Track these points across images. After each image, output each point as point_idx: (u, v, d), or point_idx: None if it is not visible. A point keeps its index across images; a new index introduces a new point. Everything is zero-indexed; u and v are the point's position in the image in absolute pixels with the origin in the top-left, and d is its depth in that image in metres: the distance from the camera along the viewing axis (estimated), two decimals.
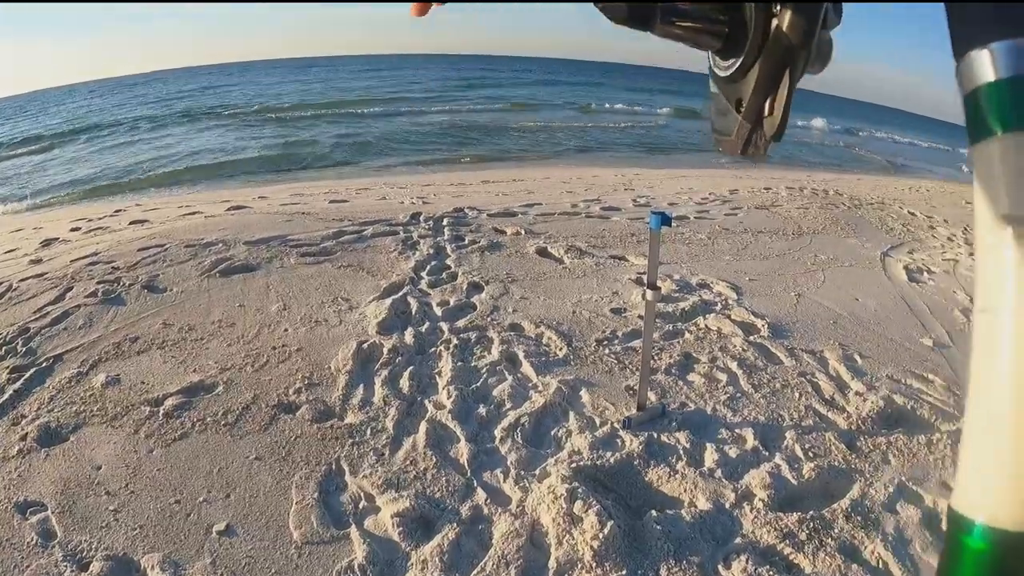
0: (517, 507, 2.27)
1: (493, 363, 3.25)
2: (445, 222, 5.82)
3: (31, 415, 2.71)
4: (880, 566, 2.11)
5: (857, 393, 3.18)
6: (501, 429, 2.71)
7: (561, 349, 3.42)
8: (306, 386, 2.98)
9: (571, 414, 2.85)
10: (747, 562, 2.05)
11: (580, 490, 2.27)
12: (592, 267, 4.80)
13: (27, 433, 2.57)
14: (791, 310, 4.20)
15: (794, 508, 2.35)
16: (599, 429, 2.74)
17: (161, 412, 2.74)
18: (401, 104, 27.24)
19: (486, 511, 2.26)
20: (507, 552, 2.06)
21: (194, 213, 6.45)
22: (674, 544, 2.11)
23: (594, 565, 2.01)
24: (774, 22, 0.46)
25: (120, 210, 7.46)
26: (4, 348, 3.23)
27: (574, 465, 2.44)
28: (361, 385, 3.02)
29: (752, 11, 0.47)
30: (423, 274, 4.45)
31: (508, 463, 2.50)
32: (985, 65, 0.29)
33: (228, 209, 6.56)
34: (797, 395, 3.12)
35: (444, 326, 3.63)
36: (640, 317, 3.76)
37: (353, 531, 2.15)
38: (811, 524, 2.23)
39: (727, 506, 2.32)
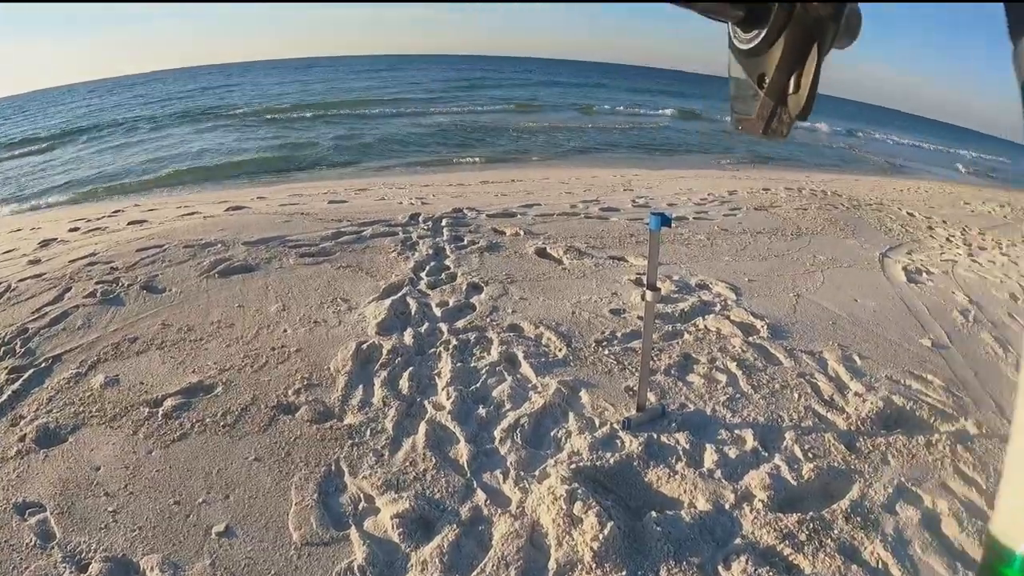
0: (517, 508, 2.27)
1: (492, 364, 3.24)
2: (444, 223, 5.82)
3: (30, 416, 2.70)
4: (880, 567, 2.11)
5: (856, 394, 3.18)
6: (501, 430, 2.70)
7: (560, 350, 3.42)
8: (305, 387, 2.98)
9: (571, 415, 2.85)
10: (747, 563, 2.05)
11: (580, 491, 2.27)
12: (591, 268, 4.80)
13: (26, 434, 2.57)
14: (790, 311, 4.20)
15: (794, 509, 2.35)
16: (599, 430, 2.74)
17: (160, 413, 2.73)
18: (400, 105, 27.22)
19: (486, 512, 2.25)
20: (507, 553, 2.06)
21: (193, 213, 6.44)
22: (674, 545, 2.11)
23: (594, 566, 2.01)
24: None
25: (119, 210, 7.45)
26: (2, 349, 3.23)
27: (574, 466, 2.44)
28: (360, 386, 3.01)
29: None
30: (422, 275, 4.45)
31: (508, 464, 2.50)
32: None
33: (227, 209, 6.55)
34: (796, 396, 3.12)
35: (443, 327, 3.63)
36: (639, 318, 3.76)
37: (353, 532, 2.15)
38: (811, 525, 2.23)
39: (727, 507, 2.32)
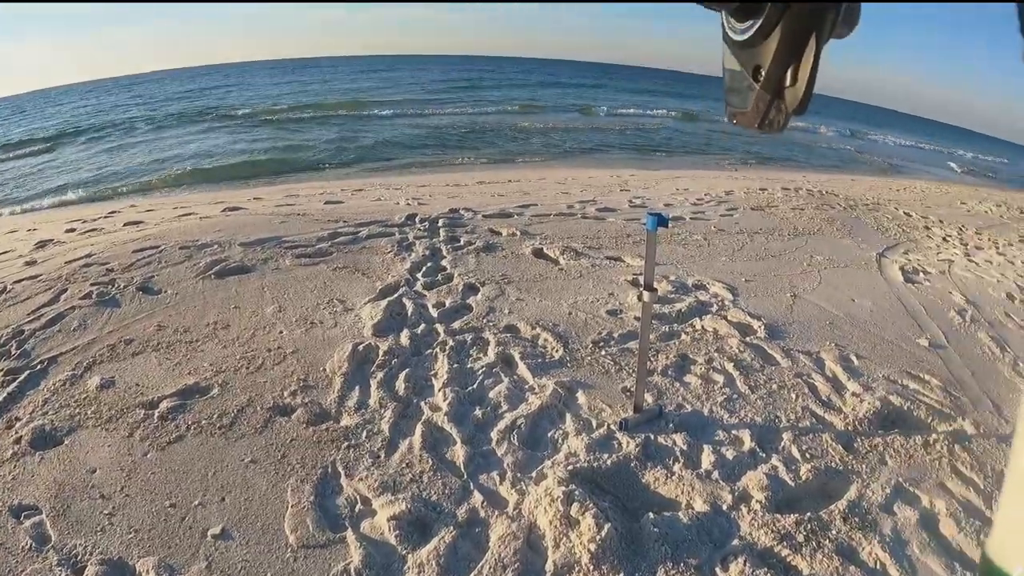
0: (514, 510, 2.27)
1: (489, 365, 3.24)
2: (441, 223, 5.82)
3: (25, 418, 2.69)
4: (878, 567, 2.11)
5: (854, 394, 3.18)
6: (497, 431, 2.70)
7: (557, 351, 3.42)
8: (301, 388, 2.97)
9: (567, 416, 2.85)
10: (745, 564, 2.05)
11: (577, 492, 2.26)
12: (588, 268, 4.80)
13: (21, 436, 2.56)
14: (787, 311, 4.20)
15: (791, 509, 2.34)
16: (596, 431, 2.73)
17: (156, 415, 2.72)
18: (398, 106, 27.20)
19: (483, 514, 2.25)
20: (504, 555, 2.05)
21: (189, 214, 6.43)
22: (671, 546, 2.10)
23: (591, 568, 2.00)
24: None
25: (115, 211, 7.44)
26: None
27: (571, 467, 2.43)
28: (357, 387, 3.01)
29: None
30: (419, 275, 4.44)
31: (504, 465, 2.50)
32: None
33: (223, 210, 6.54)
34: (794, 396, 3.12)
35: (440, 328, 3.62)
36: (636, 318, 3.75)
37: (349, 534, 2.14)
38: (808, 525, 2.23)
39: (724, 508, 2.31)
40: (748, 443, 2.70)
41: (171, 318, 3.62)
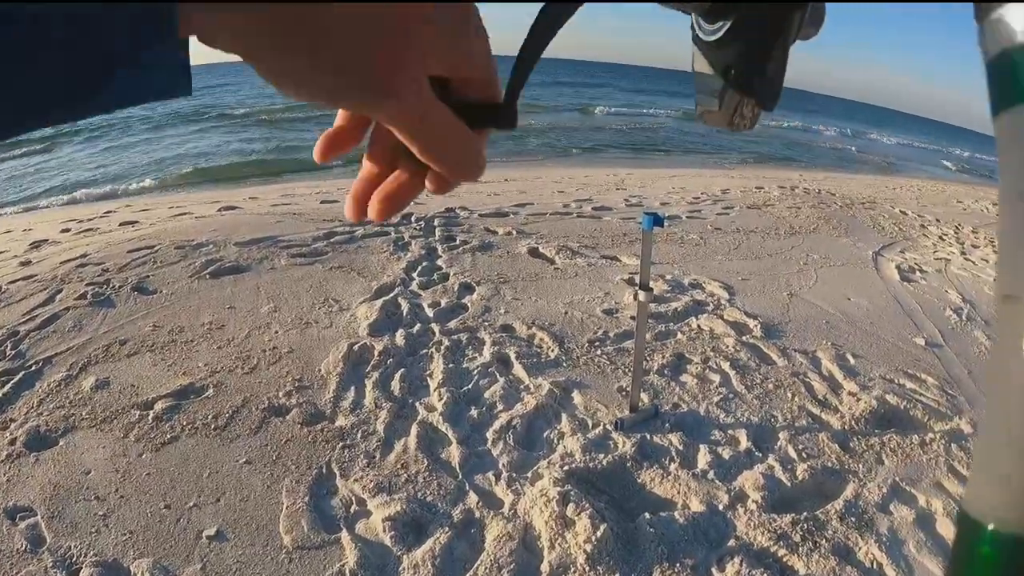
0: (509, 510, 2.26)
1: (485, 365, 3.23)
2: (436, 222, 5.80)
3: (20, 419, 2.68)
4: (874, 567, 2.11)
5: (850, 393, 3.18)
6: (493, 431, 2.69)
7: (553, 350, 3.41)
8: (296, 388, 2.96)
9: (563, 416, 2.84)
10: (741, 564, 2.05)
11: (573, 492, 2.26)
12: (584, 267, 4.79)
13: (16, 438, 2.54)
14: (783, 310, 4.21)
15: (788, 509, 2.34)
16: (591, 431, 2.73)
17: (151, 415, 2.71)
18: None
19: (478, 514, 2.24)
20: (499, 556, 2.05)
21: (185, 214, 6.41)
22: (668, 546, 2.10)
23: (587, 568, 2.00)
24: None
25: (110, 211, 7.41)
26: None
27: (567, 467, 2.43)
28: (352, 387, 3.00)
29: None
30: (414, 275, 4.44)
31: (500, 466, 2.49)
32: (1017, 23, 0.25)
33: (219, 210, 6.52)
34: (790, 395, 3.12)
35: (435, 327, 3.62)
36: (632, 318, 3.75)
37: (344, 535, 2.13)
38: (805, 525, 2.23)
39: (720, 508, 2.31)
40: (744, 443, 2.70)
41: (166, 318, 3.61)
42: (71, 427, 2.64)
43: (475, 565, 2.02)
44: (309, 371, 3.12)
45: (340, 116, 0.40)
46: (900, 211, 8.40)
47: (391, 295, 4.01)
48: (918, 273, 5.36)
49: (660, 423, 2.81)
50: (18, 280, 4.11)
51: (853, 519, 2.30)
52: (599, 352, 3.43)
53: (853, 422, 2.91)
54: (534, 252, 5.11)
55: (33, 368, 3.07)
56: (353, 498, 2.31)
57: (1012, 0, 0.25)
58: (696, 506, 2.32)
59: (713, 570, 2.05)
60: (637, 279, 2.68)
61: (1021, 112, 0.25)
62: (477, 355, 3.34)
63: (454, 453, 2.55)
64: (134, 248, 4.72)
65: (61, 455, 2.48)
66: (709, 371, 3.30)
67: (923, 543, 2.22)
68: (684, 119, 29.35)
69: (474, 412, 2.83)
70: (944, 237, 7.06)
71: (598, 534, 2.08)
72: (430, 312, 3.83)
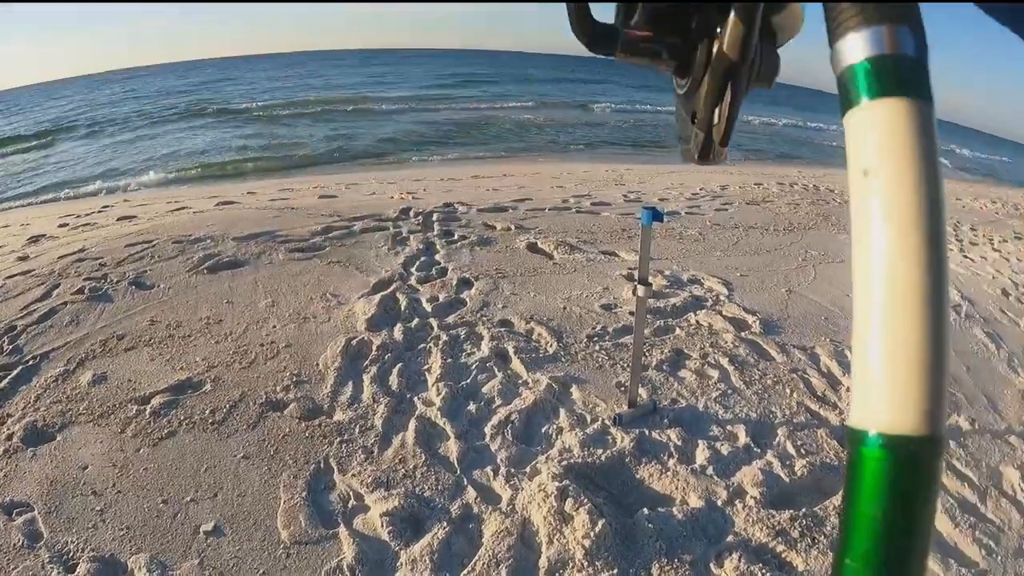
0: (507, 505, 2.26)
1: (483, 359, 3.23)
2: (435, 217, 5.80)
3: (17, 414, 2.67)
4: None
5: (849, 389, 3.18)
6: (491, 426, 2.69)
7: (551, 345, 3.41)
8: (294, 383, 2.96)
9: (562, 411, 2.84)
10: (739, 560, 2.05)
11: (571, 488, 2.26)
12: (583, 263, 4.79)
13: (13, 433, 2.54)
14: (782, 306, 4.20)
15: (786, 505, 2.34)
16: (590, 426, 2.72)
17: (148, 410, 2.71)
18: (395, 101, 27.09)
19: (476, 510, 2.24)
20: (498, 551, 2.05)
21: (182, 208, 6.40)
22: (666, 542, 2.10)
23: (585, 564, 2.00)
24: (716, 45, 0.52)
25: (108, 206, 7.39)
26: None
27: (565, 463, 2.43)
28: (350, 382, 2.99)
29: (699, 38, 0.54)
30: (412, 270, 4.43)
31: (498, 461, 2.49)
32: (853, 49, 0.35)
33: (217, 205, 6.50)
34: (789, 391, 3.12)
35: (434, 322, 3.61)
36: (631, 313, 3.74)
37: (342, 530, 2.13)
38: (804, 521, 2.23)
39: (719, 504, 2.31)
40: (743, 439, 2.70)
41: (164, 313, 3.60)
42: (68, 422, 2.64)
43: (473, 560, 2.02)
44: (307, 366, 3.11)
45: None
46: None
47: (389, 290, 4.00)
48: None
49: (659, 419, 2.81)
50: (16, 275, 4.11)
51: None
52: (598, 347, 3.42)
53: None
54: (533, 247, 5.10)
55: (30, 363, 3.06)
56: (351, 493, 2.31)
57: (846, 33, 0.35)
58: (695, 502, 2.32)
59: (711, 566, 2.05)
60: (636, 274, 2.67)
61: (854, 114, 0.35)
62: (475, 350, 3.33)
63: (452, 448, 2.55)
64: (132, 243, 4.71)
65: (58, 450, 2.47)
66: (708, 367, 3.29)
67: None
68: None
69: (472, 407, 2.82)
70: None
71: (596, 529, 2.08)
72: (428, 307, 3.82)
